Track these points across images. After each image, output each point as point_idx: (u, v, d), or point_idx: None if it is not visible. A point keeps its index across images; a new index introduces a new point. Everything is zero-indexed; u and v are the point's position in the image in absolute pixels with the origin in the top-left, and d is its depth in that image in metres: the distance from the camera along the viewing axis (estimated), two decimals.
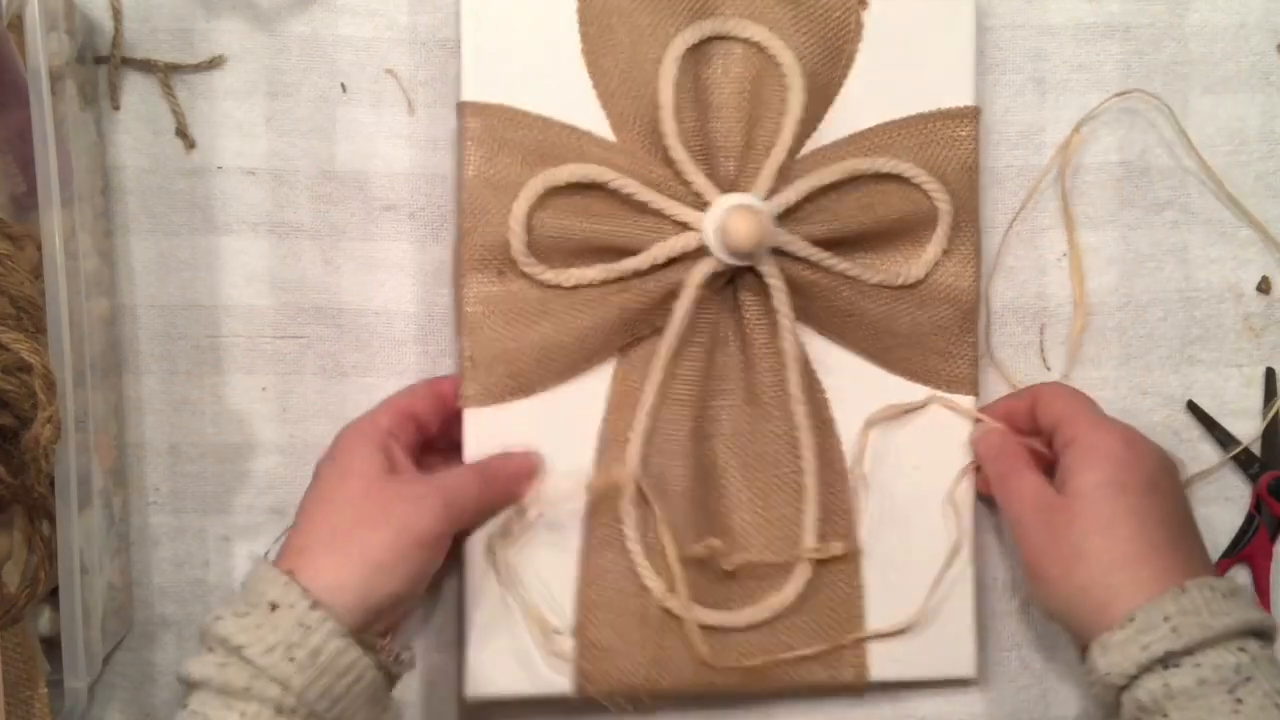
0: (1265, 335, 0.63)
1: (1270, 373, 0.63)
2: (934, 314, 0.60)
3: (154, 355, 0.61)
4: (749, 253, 0.55)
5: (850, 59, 0.59)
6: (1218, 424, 0.63)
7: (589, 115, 0.58)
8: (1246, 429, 0.63)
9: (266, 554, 0.54)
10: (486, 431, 0.58)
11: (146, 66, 0.61)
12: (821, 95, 0.59)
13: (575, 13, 0.58)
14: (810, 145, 0.59)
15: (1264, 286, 0.63)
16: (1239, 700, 0.47)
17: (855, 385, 0.60)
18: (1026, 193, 0.62)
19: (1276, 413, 0.62)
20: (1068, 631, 0.54)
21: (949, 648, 0.60)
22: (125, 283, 0.61)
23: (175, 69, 0.61)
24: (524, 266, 0.57)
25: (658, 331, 0.58)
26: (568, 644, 0.58)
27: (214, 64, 0.61)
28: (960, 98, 0.60)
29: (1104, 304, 0.63)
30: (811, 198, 0.58)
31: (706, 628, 0.58)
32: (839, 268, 0.58)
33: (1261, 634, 0.50)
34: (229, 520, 0.62)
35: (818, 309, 0.59)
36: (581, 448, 0.59)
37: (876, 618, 0.60)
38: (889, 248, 0.59)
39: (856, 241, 0.59)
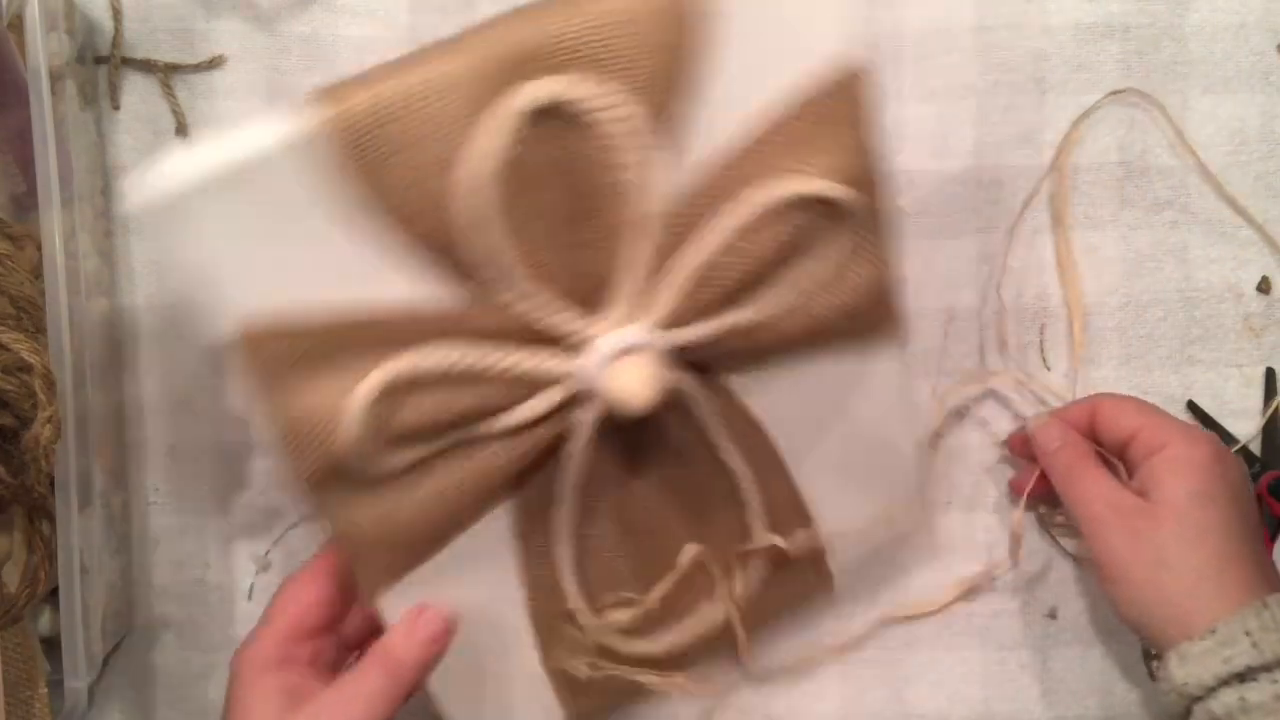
0: (1265, 335, 0.63)
1: (1270, 373, 0.63)
2: (852, 300, 0.52)
3: (154, 355, 0.61)
4: (646, 409, 0.47)
5: (699, 50, 0.46)
6: (1218, 424, 0.63)
7: (396, 255, 0.45)
8: (1246, 429, 0.63)
9: None
10: (404, 606, 0.51)
11: (146, 66, 0.61)
12: (670, 98, 0.46)
13: (349, 138, 0.43)
14: (681, 178, 0.48)
15: (1264, 286, 0.63)
16: None
17: (793, 396, 0.54)
18: (1027, 193, 0.62)
19: (1276, 412, 0.62)
20: (1138, 633, 0.54)
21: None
22: (125, 283, 0.61)
23: (175, 69, 0.61)
24: (372, 472, 0.47)
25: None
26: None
27: (214, 64, 0.61)
28: (840, 57, 0.49)
29: (1104, 304, 0.63)
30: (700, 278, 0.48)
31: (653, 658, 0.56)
32: (757, 319, 0.50)
33: None
34: (229, 520, 0.62)
35: (738, 362, 0.53)
36: (504, 574, 0.53)
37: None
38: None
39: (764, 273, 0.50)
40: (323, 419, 0.46)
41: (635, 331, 0.48)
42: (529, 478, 0.51)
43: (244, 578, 0.62)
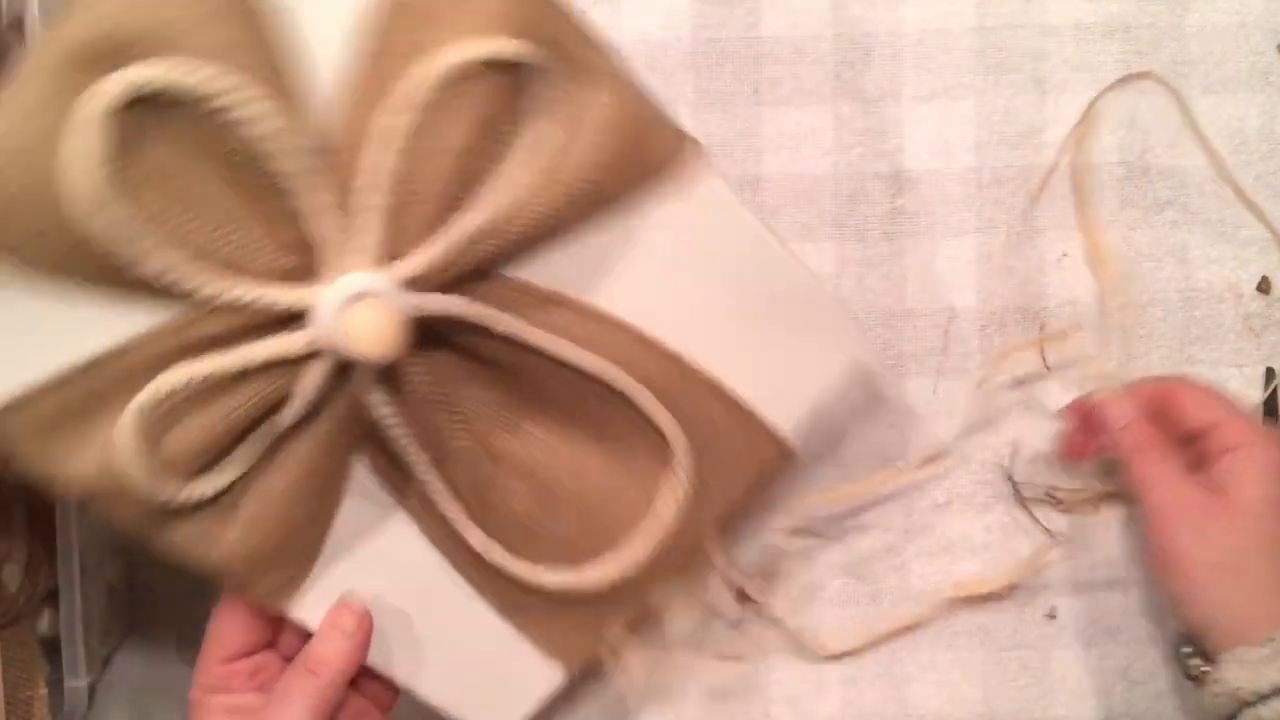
0: (1265, 335, 0.63)
1: (1270, 373, 0.63)
2: (601, 151, 0.48)
3: None
4: (387, 357, 0.45)
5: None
6: None
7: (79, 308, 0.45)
8: None
9: None
10: (324, 606, 0.51)
11: None
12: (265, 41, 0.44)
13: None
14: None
15: (1264, 286, 0.63)
16: None
17: (627, 276, 0.51)
18: (1026, 192, 0.62)
19: (1276, 412, 0.62)
20: (1188, 629, 0.54)
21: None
22: None
23: None
24: (193, 502, 0.47)
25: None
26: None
27: None
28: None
29: (1104, 304, 0.63)
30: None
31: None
32: (493, 216, 0.46)
33: None
34: None
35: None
36: (409, 542, 0.53)
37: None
38: None
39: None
40: (105, 473, 0.45)
41: (357, 280, 0.45)
42: (352, 445, 0.50)
43: None
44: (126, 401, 0.44)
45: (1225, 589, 0.51)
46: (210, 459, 0.46)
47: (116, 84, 0.41)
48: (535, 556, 0.52)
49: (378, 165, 0.44)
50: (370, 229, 0.45)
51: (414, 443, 0.49)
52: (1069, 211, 0.63)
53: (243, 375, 0.45)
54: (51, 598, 0.56)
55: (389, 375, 0.48)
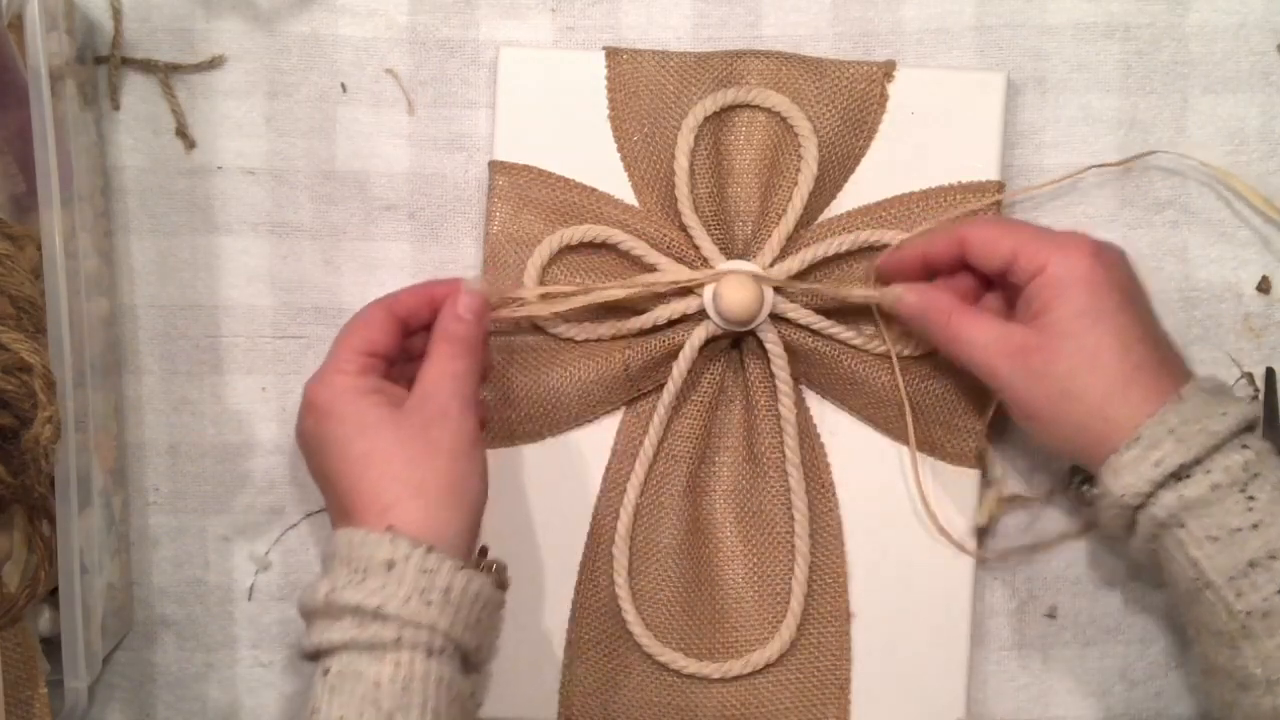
0: (1265, 335, 0.63)
1: (1270, 373, 0.63)
2: (940, 386, 0.60)
3: (154, 355, 0.61)
4: (741, 320, 0.57)
5: (873, 130, 0.60)
6: None
7: (613, 178, 0.60)
8: None
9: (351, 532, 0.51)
10: (497, 471, 0.57)
11: (146, 66, 0.61)
12: (841, 165, 0.60)
13: (605, 79, 0.60)
14: (827, 214, 0.60)
15: (1264, 286, 0.63)
16: (1251, 497, 0.49)
17: (858, 450, 0.61)
18: (1026, 192, 0.63)
19: (1276, 413, 0.62)
20: (1062, 457, 0.55)
21: (937, 705, 0.61)
22: (125, 283, 0.61)
23: (175, 69, 0.61)
24: (537, 320, 0.59)
25: (662, 387, 0.59)
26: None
27: (214, 64, 0.61)
28: (984, 172, 0.60)
29: None
30: (819, 266, 0.59)
31: (688, 676, 0.60)
32: (841, 336, 0.59)
33: (1253, 425, 0.51)
34: (229, 520, 0.62)
35: (819, 374, 0.60)
36: (585, 492, 0.60)
37: (863, 676, 0.60)
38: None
39: (864, 311, 0.59)
40: (520, 254, 0.59)
41: (754, 265, 0.58)
42: (642, 390, 0.60)
43: (243, 578, 0.62)
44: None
45: (1071, 415, 0.51)
46: (566, 306, 0.59)
47: (718, 101, 0.60)
48: None
49: (815, 252, 0.59)
50: (787, 265, 0.59)
51: (671, 399, 0.59)
52: (1069, 211, 0.63)
53: (641, 267, 0.59)
54: (51, 598, 0.56)
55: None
